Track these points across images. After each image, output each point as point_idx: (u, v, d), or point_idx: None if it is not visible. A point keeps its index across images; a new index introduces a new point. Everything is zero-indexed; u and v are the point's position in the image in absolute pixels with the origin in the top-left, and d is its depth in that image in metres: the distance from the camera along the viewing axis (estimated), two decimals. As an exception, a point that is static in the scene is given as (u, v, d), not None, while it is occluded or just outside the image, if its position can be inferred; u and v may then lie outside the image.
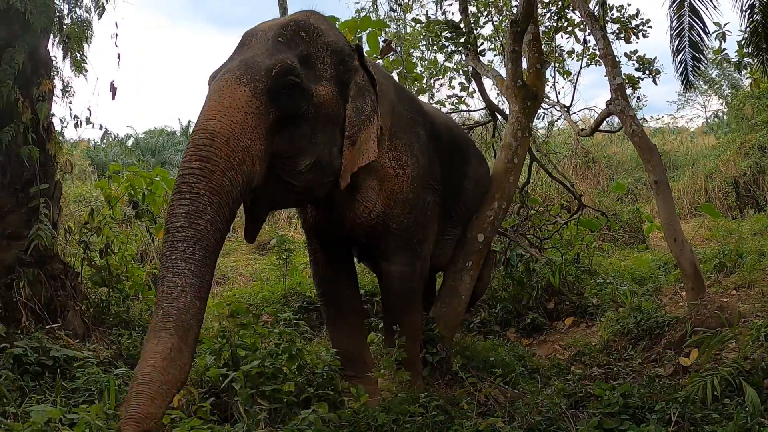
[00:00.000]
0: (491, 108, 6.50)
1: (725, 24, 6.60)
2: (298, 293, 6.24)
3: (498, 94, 6.51)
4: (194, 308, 2.47)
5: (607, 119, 6.96)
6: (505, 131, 5.12)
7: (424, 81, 6.69)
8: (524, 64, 5.35)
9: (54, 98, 4.44)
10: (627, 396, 3.88)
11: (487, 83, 6.41)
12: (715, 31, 6.62)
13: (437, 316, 4.62)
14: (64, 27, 4.42)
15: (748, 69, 7.30)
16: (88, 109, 4.55)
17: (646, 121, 14.90)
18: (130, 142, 16.92)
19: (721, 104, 14.70)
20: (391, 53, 5.80)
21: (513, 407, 3.94)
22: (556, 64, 7.18)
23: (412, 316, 3.99)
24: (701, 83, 12.76)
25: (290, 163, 3.14)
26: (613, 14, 6.64)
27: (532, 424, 3.69)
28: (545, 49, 7.24)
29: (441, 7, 6.79)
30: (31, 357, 3.72)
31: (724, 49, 7.31)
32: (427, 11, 6.52)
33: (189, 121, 19.73)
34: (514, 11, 5.97)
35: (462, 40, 5.72)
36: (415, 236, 3.89)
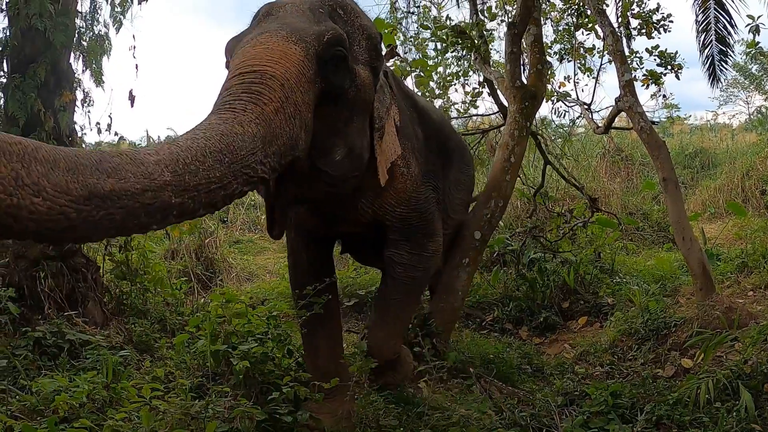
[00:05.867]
0: (504, 112, 6.54)
1: (759, 17, 6.38)
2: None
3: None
4: None
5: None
6: (503, 131, 5.18)
7: (434, 83, 6.76)
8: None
9: (76, 108, 4.83)
10: (616, 395, 3.91)
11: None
12: (748, 25, 6.44)
13: (434, 312, 4.75)
14: (83, 43, 4.82)
15: (782, 62, 7.04)
16: (109, 116, 4.95)
17: (683, 120, 14.44)
18: (171, 144, 17.56)
19: (765, 100, 14.14)
20: (395, 58, 5.91)
21: (505, 402, 4.04)
22: (578, 62, 7.12)
23: (407, 309, 3.98)
24: (743, 78, 12.26)
25: (326, 147, 2.78)
26: (633, 10, 6.55)
27: (518, 419, 3.78)
28: (567, 47, 7.22)
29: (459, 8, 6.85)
30: (50, 340, 4.10)
31: (758, 43, 7.08)
32: (434, 16, 6.60)
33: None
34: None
35: (468, 45, 5.79)
36: (420, 230, 3.77)
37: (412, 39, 6.57)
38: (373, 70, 3.09)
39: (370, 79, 3.03)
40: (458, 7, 6.40)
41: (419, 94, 5.90)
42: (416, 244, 3.75)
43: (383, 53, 3.26)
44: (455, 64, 6.80)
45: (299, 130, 2.43)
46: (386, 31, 5.85)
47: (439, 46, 6.22)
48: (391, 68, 4.71)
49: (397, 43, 6.05)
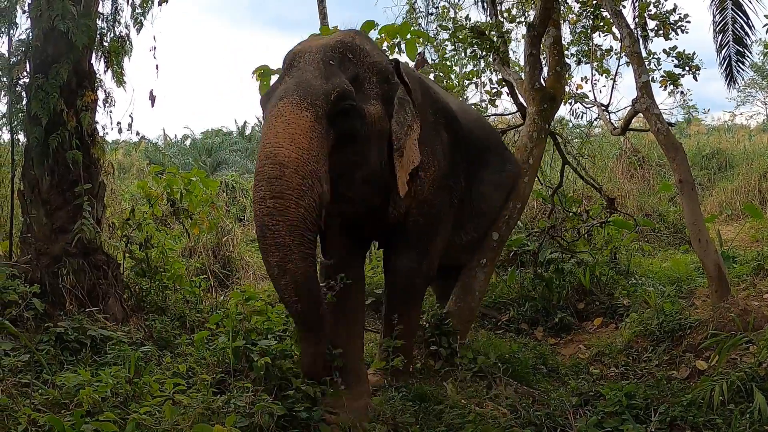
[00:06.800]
0: (523, 112, 6.54)
1: (775, 17, 6.35)
2: (329, 288, 6.47)
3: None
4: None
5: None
6: (521, 133, 5.19)
7: (454, 81, 6.78)
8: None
9: (98, 107, 4.92)
10: (631, 396, 3.93)
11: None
12: (766, 25, 6.41)
13: (451, 312, 4.79)
14: (105, 44, 4.90)
15: (800, 62, 7.00)
16: (130, 116, 5.05)
17: (700, 120, 14.38)
18: (187, 143, 17.69)
19: (783, 100, 14.03)
20: (425, 65, 5.95)
21: (520, 402, 4.06)
22: (595, 63, 7.11)
23: (412, 312, 4.16)
24: (760, 79, 12.15)
25: (347, 177, 3.36)
26: (650, 11, 6.54)
27: (532, 418, 3.82)
28: (584, 48, 7.21)
29: (480, 5, 6.86)
30: (71, 335, 4.17)
31: (776, 43, 7.03)
32: (453, 17, 6.63)
33: (245, 122, 20.28)
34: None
35: (487, 46, 5.81)
36: (426, 235, 4.04)
37: (431, 39, 6.59)
38: (385, 100, 3.53)
39: (380, 112, 3.48)
40: (477, 8, 6.37)
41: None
42: (421, 248, 4.02)
43: (396, 80, 3.63)
44: (470, 63, 6.81)
45: (319, 187, 3.10)
46: (409, 36, 5.85)
47: (456, 47, 6.24)
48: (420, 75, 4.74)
49: (418, 47, 6.06)
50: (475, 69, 6.84)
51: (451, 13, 6.95)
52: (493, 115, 7.26)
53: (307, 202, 3.03)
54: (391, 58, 4.04)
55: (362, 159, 3.43)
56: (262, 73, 5.80)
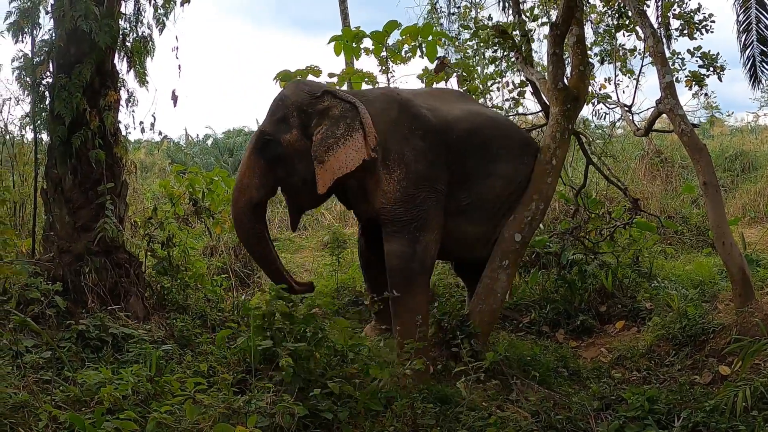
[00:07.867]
0: (547, 111, 6.49)
1: (802, 16, 6.19)
2: (349, 287, 6.52)
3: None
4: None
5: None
6: (544, 133, 5.15)
7: (477, 82, 6.75)
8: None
9: (120, 107, 4.97)
10: (653, 401, 3.89)
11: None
12: (791, 25, 6.28)
13: (473, 313, 4.77)
14: (127, 44, 4.94)
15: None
16: (153, 115, 5.10)
17: (723, 122, 14.11)
18: (209, 143, 17.72)
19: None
20: (446, 68, 5.95)
21: (541, 405, 4.03)
22: (618, 63, 7.03)
23: (413, 300, 4.54)
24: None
25: (289, 183, 4.73)
26: (674, 10, 6.45)
27: (553, 421, 3.79)
28: (607, 48, 7.13)
29: (501, 8, 6.82)
30: (93, 333, 4.22)
31: (801, 42, 6.91)
32: (475, 17, 6.60)
33: (265, 122, 20.36)
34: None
35: (509, 44, 5.77)
36: (412, 224, 4.58)
37: (453, 40, 6.57)
38: (302, 126, 4.62)
39: (296, 136, 4.62)
40: (503, 10, 6.33)
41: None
42: (410, 235, 4.58)
43: (318, 107, 4.59)
44: (492, 63, 6.78)
45: (248, 193, 4.64)
46: (430, 38, 5.85)
47: (478, 46, 6.22)
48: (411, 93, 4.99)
49: (440, 50, 6.06)
50: (497, 70, 6.80)
51: (473, 13, 6.91)
52: (516, 114, 7.21)
53: (242, 201, 4.65)
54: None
55: (290, 172, 4.66)
56: (283, 77, 5.87)
